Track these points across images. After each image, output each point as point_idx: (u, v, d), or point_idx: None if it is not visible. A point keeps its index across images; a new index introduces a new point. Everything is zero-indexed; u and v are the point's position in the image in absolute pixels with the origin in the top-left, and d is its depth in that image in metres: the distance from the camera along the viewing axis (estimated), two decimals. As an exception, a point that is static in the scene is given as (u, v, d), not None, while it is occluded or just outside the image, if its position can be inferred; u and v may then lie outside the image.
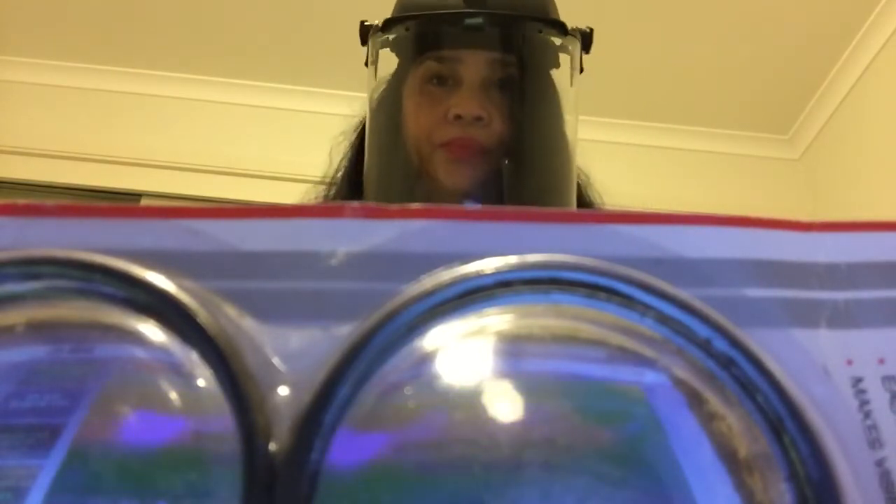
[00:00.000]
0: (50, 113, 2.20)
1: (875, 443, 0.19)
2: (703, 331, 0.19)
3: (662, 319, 0.19)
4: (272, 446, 0.17)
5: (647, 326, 0.19)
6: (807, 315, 0.20)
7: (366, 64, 0.71)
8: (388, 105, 0.69)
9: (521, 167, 0.64)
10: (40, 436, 0.18)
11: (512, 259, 0.19)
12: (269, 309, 0.19)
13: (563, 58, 0.69)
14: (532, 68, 0.66)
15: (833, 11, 1.91)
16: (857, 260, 0.21)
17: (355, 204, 0.21)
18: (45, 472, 0.18)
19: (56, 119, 2.19)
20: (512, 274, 0.19)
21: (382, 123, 0.70)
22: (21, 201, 0.20)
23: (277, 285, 0.20)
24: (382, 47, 0.69)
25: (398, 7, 0.70)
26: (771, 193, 2.21)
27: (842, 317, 0.20)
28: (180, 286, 0.19)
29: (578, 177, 0.70)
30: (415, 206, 0.21)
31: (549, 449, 0.18)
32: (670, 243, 0.21)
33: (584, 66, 0.71)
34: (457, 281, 0.19)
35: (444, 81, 0.65)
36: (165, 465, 0.18)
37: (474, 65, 0.65)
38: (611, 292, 0.19)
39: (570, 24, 0.68)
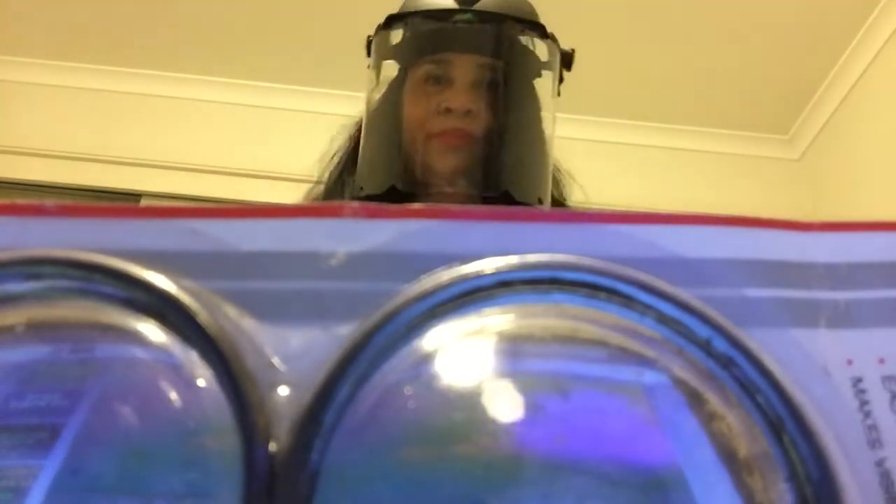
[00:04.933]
0: (50, 113, 2.20)
1: (875, 443, 0.19)
2: (703, 331, 0.19)
3: (662, 319, 0.19)
4: (272, 446, 0.17)
5: (647, 326, 0.19)
6: (807, 315, 0.20)
7: (368, 67, 0.79)
8: (386, 102, 0.77)
9: (501, 152, 0.73)
10: (40, 436, 0.18)
11: (512, 259, 0.19)
12: (269, 309, 0.19)
13: (546, 73, 0.79)
14: (514, 69, 0.76)
15: (833, 11, 1.91)
16: (857, 260, 0.21)
17: (355, 204, 0.21)
18: (45, 472, 0.18)
19: (56, 119, 2.19)
20: (512, 274, 0.19)
21: (379, 118, 0.78)
22: (21, 201, 0.20)
23: (277, 285, 0.20)
24: (384, 53, 0.78)
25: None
26: (771, 193, 2.21)
27: (842, 317, 0.20)
28: (180, 286, 0.19)
29: (554, 172, 0.79)
30: (415, 206, 0.21)
31: (549, 449, 0.18)
32: (670, 243, 0.21)
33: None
34: (457, 281, 0.19)
35: (438, 81, 0.74)
36: (165, 465, 0.18)
37: (464, 66, 0.74)
38: (611, 292, 0.19)
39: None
